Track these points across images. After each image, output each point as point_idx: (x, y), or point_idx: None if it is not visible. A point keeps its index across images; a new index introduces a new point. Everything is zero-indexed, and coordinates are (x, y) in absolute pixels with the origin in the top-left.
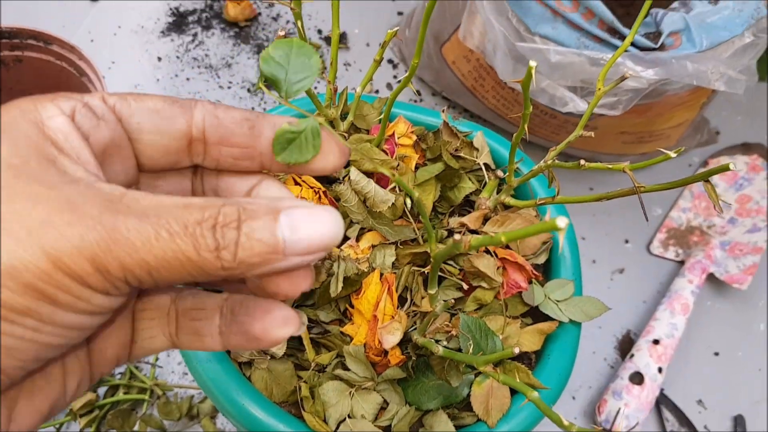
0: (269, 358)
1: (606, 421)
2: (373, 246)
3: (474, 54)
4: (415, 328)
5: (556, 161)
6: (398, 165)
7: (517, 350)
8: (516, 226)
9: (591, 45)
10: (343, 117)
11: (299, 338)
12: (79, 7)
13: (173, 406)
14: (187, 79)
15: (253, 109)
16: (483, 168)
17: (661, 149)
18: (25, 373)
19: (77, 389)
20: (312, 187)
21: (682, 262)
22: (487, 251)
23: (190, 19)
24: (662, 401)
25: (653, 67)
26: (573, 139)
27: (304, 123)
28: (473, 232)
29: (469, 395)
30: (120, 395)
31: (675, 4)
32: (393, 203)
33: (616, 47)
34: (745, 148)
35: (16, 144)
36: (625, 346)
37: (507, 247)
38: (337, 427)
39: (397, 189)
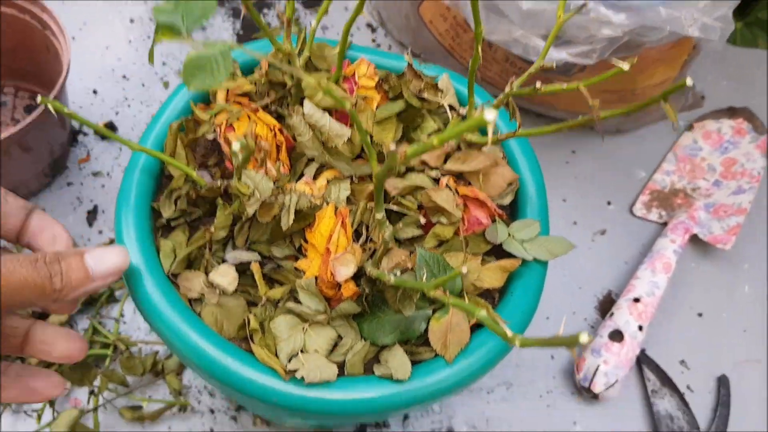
0: (219, 293)
1: (585, 378)
2: (328, 181)
3: (451, 12)
4: (368, 263)
5: (516, 90)
6: (356, 102)
7: (464, 269)
8: (478, 163)
9: None
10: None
11: (253, 275)
12: None
13: (137, 361)
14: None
15: None
16: (447, 108)
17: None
18: None
19: None
20: (267, 125)
21: (665, 224)
22: (448, 187)
23: None
24: (644, 361)
25: (626, 12)
26: (534, 71)
27: (214, 46)
28: (434, 169)
29: (427, 331)
30: None
31: None
32: (350, 139)
33: None
34: (731, 112)
35: None
36: (606, 306)
37: (469, 184)
38: (289, 362)
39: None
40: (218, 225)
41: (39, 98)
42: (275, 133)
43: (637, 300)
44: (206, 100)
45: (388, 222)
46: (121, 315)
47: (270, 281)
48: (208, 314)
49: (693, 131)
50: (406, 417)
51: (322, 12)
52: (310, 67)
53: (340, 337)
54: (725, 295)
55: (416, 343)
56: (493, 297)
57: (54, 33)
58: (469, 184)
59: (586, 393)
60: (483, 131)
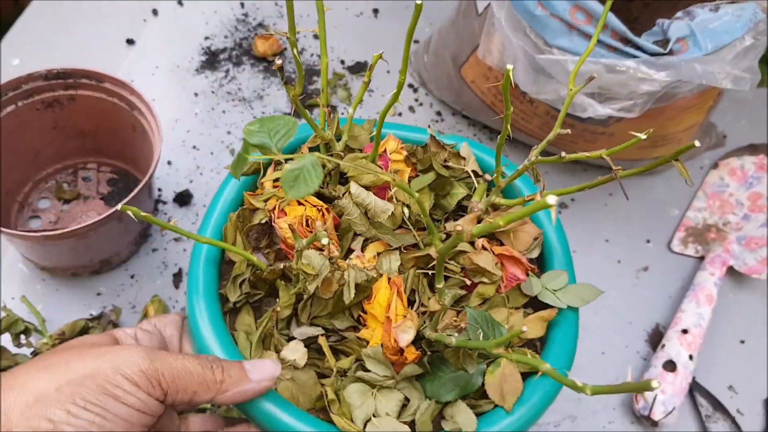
0: (293, 369)
1: (644, 408)
2: (379, 254)
3: (492, 72)
4: (426, 326)
5: (540, 158)
6: (394, 177)
7: (525, 328)
8: (510, 224)
9: (606, 54)
10: (338, 139)
11: (318, 349)
12: (117, 51)
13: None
14: (223, 111)
15: None
16: (471, 175)
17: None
18: None
19: None
20: (315, 206)
21: (702, 258)
22: (485, 248)
23: (222, 56)
24: (695, 388)
25: (665, 69)
26: (552, 138)
27: (303, 159)
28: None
29: (483, 384)
30: None
31: (679, 14)
32: (392, 213)
33: (628, 54)
34: (752, 149)
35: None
36: (655, 338)
37: (501, 244)
38: (365, 427)
39: (394, 199)
40: (283, 304)
41: (120, 207)
42: (323, 213)
43: (685, 331)
44: (254, 186)
45: (446, 290)
46: None
47: (334, 352)
48: (284, 389)
49: (719, 169)
50: None
51: (357, 101)
52: (345, 148)
53: (406, 399)
54: (764, 322)
55: (474, 397)
56: (535, 346)
57: (142, 113)
58: (501, 243)
59: (646, 421)
60: (507, 194)
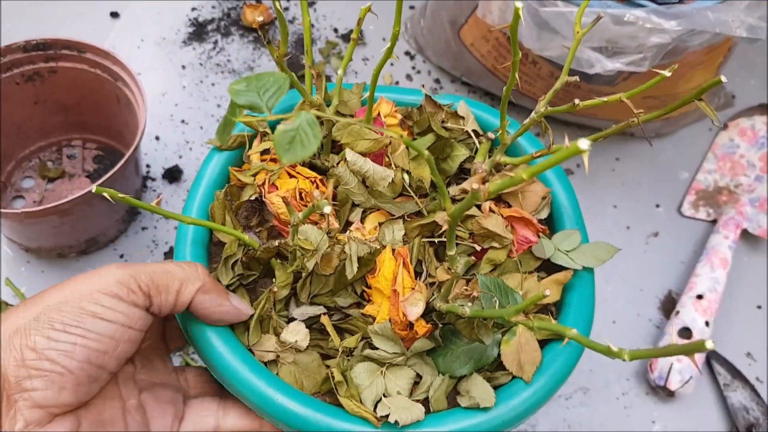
0: (294, 351)
1: (660, 377)
2: (380, 224)
3: (493, 33)
4: (435, 298)
5: (551, 108)
6: (390, 142)
7: (548, 292)
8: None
9: (613, 5)
10: (328, 105)
11: (321, 328)
12: (101, 23)
13: None
14: (212, 84)
15: None
16: (472, 134)
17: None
18: (89, 375)
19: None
20: (307, 178)
21: (714, 221)
22: (492, 211)
23: (209, 27)
24: (712, 356)
25: (676, 18)
26: (560, 87)
27: (298, 117)
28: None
29: (499, 356)
30: None
31: None
32: (392, 180)
33: (637, 5)
34: (762, 109)
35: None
36: (668, 305)
37: (508, 206)
38: (375, 408)
39: (393, 165)
40: (280, 284)
41: (94, 188)
42: (317, 185)
43: (700, 297)
44: (239, 161)
45: (458, 257)
46: None
47: (339, 331)
48: (286, 374)
49: (728, 130)
50: None
51: (347, 59)
52: (335, 113)
53: (418, 376)
54: None
55: (490, 369)
56: (551, 311)
57: (126, 83)
58: (508, 205)
59: (662, 391)
60: (511, 153)
